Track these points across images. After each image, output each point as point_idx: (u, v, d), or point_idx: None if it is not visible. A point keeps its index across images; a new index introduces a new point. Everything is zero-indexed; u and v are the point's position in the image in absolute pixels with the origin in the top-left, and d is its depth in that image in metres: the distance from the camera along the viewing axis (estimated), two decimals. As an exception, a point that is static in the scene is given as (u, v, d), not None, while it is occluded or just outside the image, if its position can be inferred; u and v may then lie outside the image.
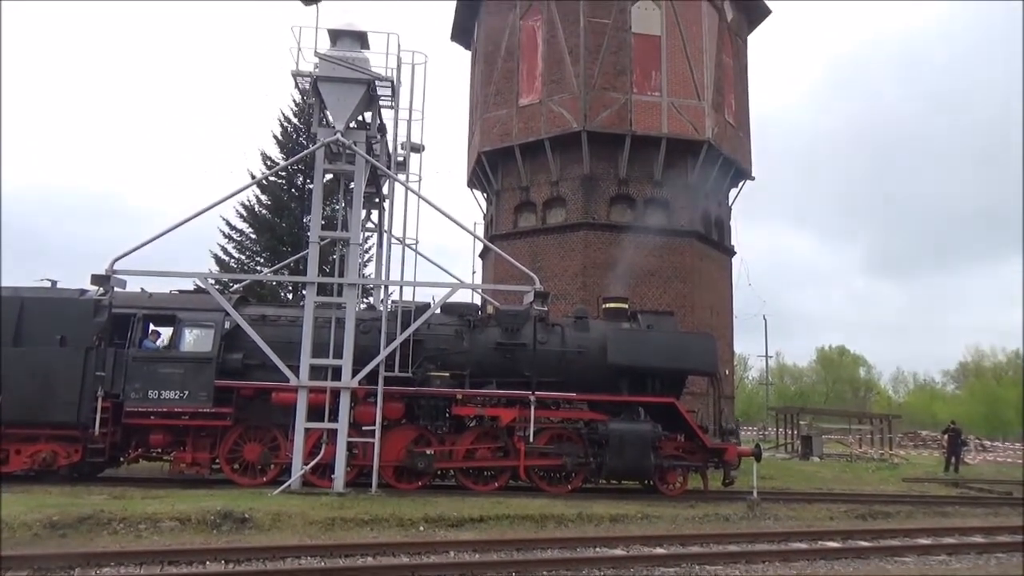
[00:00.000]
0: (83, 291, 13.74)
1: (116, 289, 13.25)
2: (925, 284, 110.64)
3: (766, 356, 50.41)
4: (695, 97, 23.00)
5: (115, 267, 12.80)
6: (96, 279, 12.75)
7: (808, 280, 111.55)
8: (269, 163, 26.60)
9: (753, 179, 26.38)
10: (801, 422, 31.66)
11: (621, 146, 22.19)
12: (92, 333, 13.17)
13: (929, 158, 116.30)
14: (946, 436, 25.09)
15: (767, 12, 27.57)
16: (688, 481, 14.63)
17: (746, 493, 13.65)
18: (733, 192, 26.21)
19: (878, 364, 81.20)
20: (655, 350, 14.51)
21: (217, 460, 13.51)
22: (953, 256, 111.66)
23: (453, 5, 27.33)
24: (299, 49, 13.99)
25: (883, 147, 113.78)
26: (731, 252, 25.98)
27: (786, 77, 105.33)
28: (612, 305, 15.75)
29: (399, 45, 14.55)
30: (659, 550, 9.72)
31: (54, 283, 14.26)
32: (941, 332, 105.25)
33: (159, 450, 13.71)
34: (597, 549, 9.66)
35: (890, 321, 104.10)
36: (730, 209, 26.34)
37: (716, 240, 24.83)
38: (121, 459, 13.91)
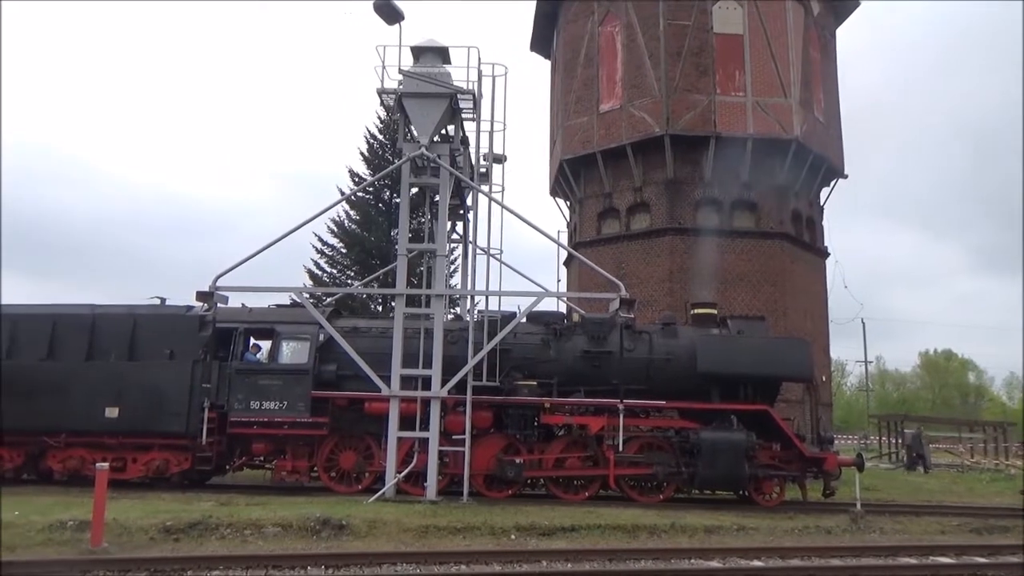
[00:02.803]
0: (189, 307, 14.53)
1: (219, 305, 13.92)
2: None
3: (865, 361, 48.24)
4: (781, 95, 22.31)
5: (217, 284, 13.45)
6: (201, 296, 13.43)
7: (909, 281, 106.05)
8: (357, 179, 27.43)
9: (846, 177, 25.36)
10: (906, 430, 30.11)
11: (705, 148, 21.75)
12: (198, 347, 13.92)
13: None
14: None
15: (856, 4, 26.53)
16: (785, 491, 14.15)
17: (848, 505, 13.08)
18: (825, 191, 25.28)
19: (989, 368, 76.30)
20: (747, 356, 14.13)
21: (315, 468, 13.97)
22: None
23: (532, 16, 27.54)
24: (384, 67, 14.39)
25: (986, 138, 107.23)
26: (824, 253, 25.03)
27: (879, 69, 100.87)
28: (700, 311, 15.44)
29: (479, 58, 14.77)
30: (757, 563, 9.43)
31: (163, 300, 15.16)
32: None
33: (261, 458, 14.31)
34: (692, 561, 9.45)
35: (1000, 322, 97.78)
36: (822, 209, 25.41)
37: (808, 241, 23.97)
38: (227, 467, 14.60)
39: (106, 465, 9.76)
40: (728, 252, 20.64)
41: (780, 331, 19.58)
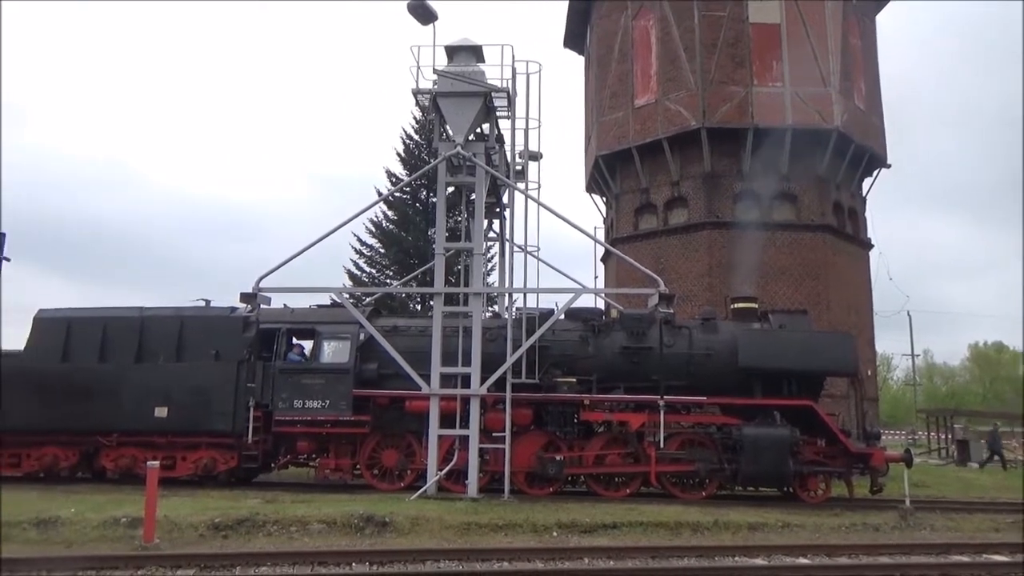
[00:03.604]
0: (233, 308, 14.83)
1: (261, 306, 14.17)
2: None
3: (911, 355, 47.01)
4: (821, 84, 21.89)
5: (260, 285, 13.69)
6: (244, 297, 13.70)
7: (956, 272, 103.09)
8: (394, 179, 27.66)
9: (889, 166, 24.77)
10: (956, 425, 29.34)
11: (743, 141, 21.46)
12: (243, 348, 14.20)
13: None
14: None
15: (897, -12, 25.93)
16: (831, 488, 13.92)
17: (897, 501, 12.82)
18: (867, 181, 24.76)
19: (1042, 361, 73.79)
20: (789, 350, 13.92)
21: (358, 466, 14.15)
22: None
23: (564, 12, 27.47)
24: (418, 67, 14.48)
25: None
26: (868, 245, 24.51)
27: (923, 54, 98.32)
28: (741, 305, 15.24)
29: (513, 56, 14.78)
30: (803, 560, 9.30)
31: (208, 302, 15.50)
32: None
33: (305, 456, 14.56)
34: (736, 558, 9.37)
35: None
36: (865, 199, 24.88)
37: (851, 233, 23.49)
38: (272, 465, 14.86)
39: (157, 463, 10.03)
40: (768, 245, 20.34)
41: (823, 325, 19.24)
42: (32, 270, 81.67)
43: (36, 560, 8.40)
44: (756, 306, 15.29)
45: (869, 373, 22.65)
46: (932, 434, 33.42)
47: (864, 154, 23.15)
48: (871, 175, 24.61)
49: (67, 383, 14.16)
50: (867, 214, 24.81)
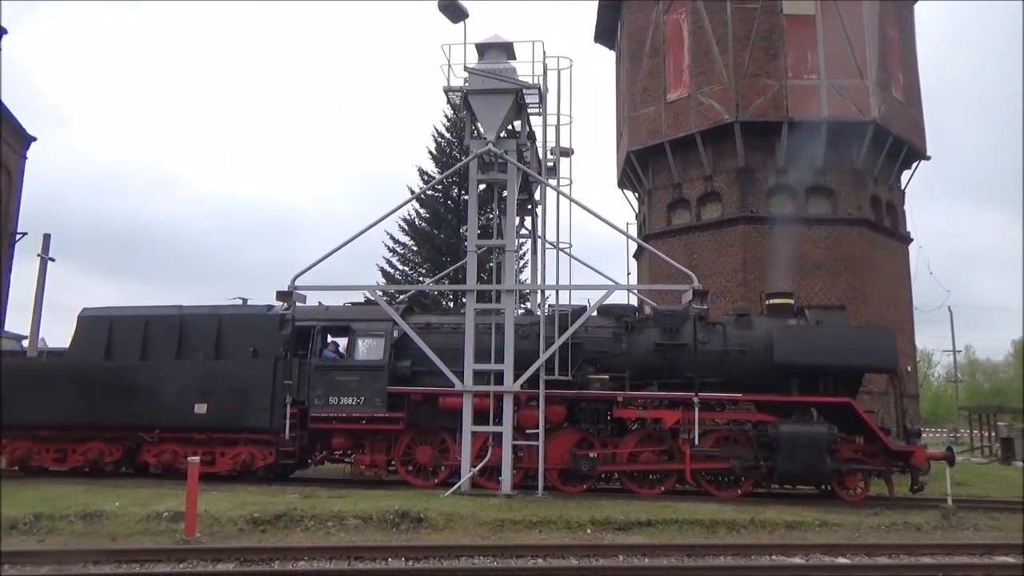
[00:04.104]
0: (270, 307, 15.05)
1: (297, 303, 14.36)
2: None
3: (953, 351, 45.91)
4: (857, 76, 21.50)
5: (295, 283, 13.87)
6: (280, 295, 13.88)
7: (999, 266, 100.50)
8: (426, 178, 27.83)
9: (928, 158, 24.26)
10: (999, 423, 28.65)
11: (777, 134, 21.16)
12: (279, 345, 14.41)
13: None
14: None
15: (936, -24, 25.33)
16: (870, 487, 13.69)
17: (939, 501, 12.55)
18: (906, 174, 24.26)
19: (1090, 357, 71.55)
20: (826, 346, 13.71)
21: (392, 462, 14.28)
22: None
23: (595, 7, 27.33)
24: (449, 66, 14.53)
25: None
26: (907, 239, 24.03)
27: (962, 42, 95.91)
28: (776, 301, 15.03)
29: (544, 52, 14.76)
30: (842, 560, 9.17)
31: (245, 301, 15.76)
32: None
33: (341, 452, 14.72)
34: (773, 557, 9.27)
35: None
36: (903, 192, 24.39)
37: (888, 227, 23.06)
38: (309, 461, 15.06)
39: (197, 459, 10.23)
40: (804, 240, 20.05)
41: (861, 321, 18.93)
42: (75, 270, 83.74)
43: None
44: (792, 302, 15.08)
45: (909, 369, 22.22)
46: (975, 432, 32.67)
47: (902, 146, 22.70)
48: (910, 168, 24.14)
49: (110, 380, 14.52)
50: (906, 207, 24.36)
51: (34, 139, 43.07)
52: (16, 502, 11.03)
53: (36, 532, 9.93)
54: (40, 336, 22.39)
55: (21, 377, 15.18)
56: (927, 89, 25.36)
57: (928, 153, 24.19)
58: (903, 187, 24.34)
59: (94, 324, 15.24)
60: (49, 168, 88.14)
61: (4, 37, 36.80)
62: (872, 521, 11.41)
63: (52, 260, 22.57)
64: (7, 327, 39.26)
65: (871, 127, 21.19)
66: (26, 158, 44.75)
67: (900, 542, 10.19)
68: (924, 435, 16.52)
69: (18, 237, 41.62)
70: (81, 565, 8.33)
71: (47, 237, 22.52)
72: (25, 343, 25.87)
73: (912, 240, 24.17)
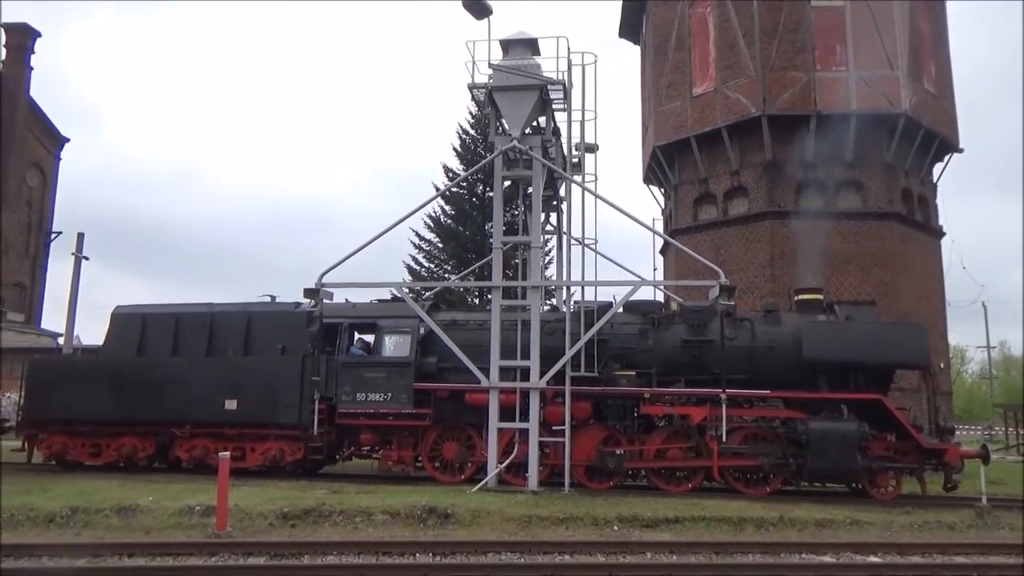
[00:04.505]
0: (298, 304, 15.20)
1: (324, 301, 14.47)
2: None
3: (987, 347, 44.99)
4: (887, 67, 21.15)
5: (322, 281, 13.98)
6: (308, 292, 14.00)
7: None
8: (451, 175, 27.89)
9: (961, 151, 23.82)
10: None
11: (806, 128, 20.90)
12: (307, 342, 14.53)
13: None
14: None
15: (969, -35, 24.82)
16: (902, 485, 13.49)
17: (973, 499, 12.34)
18: (938, 167, 23.83)
19: None
20: (856, 342, 13.50)
21: (419, 458, 14.36)
22: None
23: (619, 1, 27.19)
24: (474, 62, 14.53)
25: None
26: (939, 233, 23.62)
27: (996, 35, 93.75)
28: (805, 296, 14.85)
29: (568, 48, 14.70)
30: (873, 559, 9.05)
31: (273, 298, 15.93)
32: None
33: (369, 448, 14.82)
34: (802, 555, 9.16)
35: None
36: (935, 186, 23.97)
37: (920, 221, 22.69)
38: (337, 457, 15.19)
39: (228, 454, 10.37)
40: (833, 235, 19.78)
41: (892, 316, 18.64)
42: (109, 268, 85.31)
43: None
44: (821, 297, 14.89)
45: (942, 366, 21.86)
46: (1009, 430, 31.97)
47: (934, 139, 22.32)
48: (942, 160, 23.72)
49: (143, 376, 14.77)
50: (938, 201, 23.95)
51: (67, 140, 43.67)
52: (53, 496, 11.28)
53: (73, 525, 10.13)
54: (75, 334, 22.85)
55: (57, 374, 15.54)
56: (960, 81, 24.80)
57: (961, 145, 23.77)
58: (935, 180, 23.93)
59: (127, 322, 15.52)
60: (83, 168, 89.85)
61: (38, 40, 37.33)
62: (904, 520, 11.25)
63: (86, 259, 23.03)
64: (43, 325, 40.27)
65: (902, 119, 20.86)
66: (60, 159, 45.58)
67: (933, 541, 10.01)
68: (958, 433, 16.21)
69: (53, 236, 42.59)
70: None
71: (81, 236, 22.97)
72: (60, 341, 26.43)
73: (944, 234, 23.77)
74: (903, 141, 21.22)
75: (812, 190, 21.28)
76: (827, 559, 9.00)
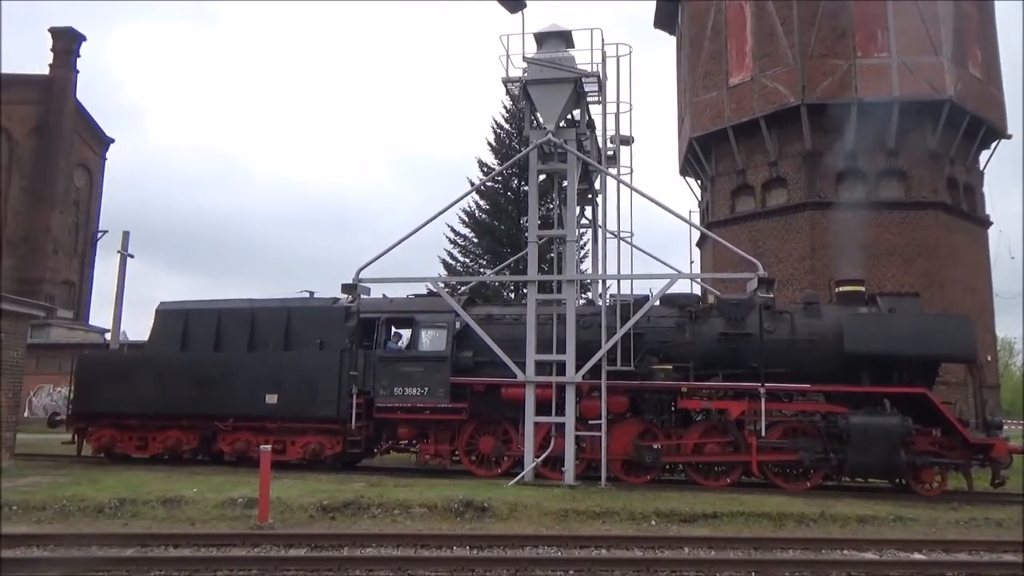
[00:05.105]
0: (335, 299, 15.39)
1: (361, 296, 14.62)
2: None
3: (1036, 339, 43.69)
4: (931, 53, 20.60)
5: (360, 276, 14.13)
6: (346, 288, 14.16)
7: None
8: (486, 169, 27.92)
9: (1009, 137, 23.12)
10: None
11: (846, 116, 20.46)
12: (345, 337, 14.73)
13: None
14: None
15: (1019, -55, 24.02)
16: (947, 481, 13.19)
17: (1022, 496, 12.01)
18: (985, 154, 23.17)
19: None
20: (899, 335, 13.21)
21: (456, 452, 14.45)
22: None
23: (654, -8, 26.92)
24: (508, 56, 14.51)
25: None
26: (986, 222, 22.98)
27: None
28: (846, 288, 14.56)
29: (603, 39, 14.59)
30: (918, 556, 8.87)
31: (311, 294, 16.15)
32: None
33: (406, 442, 14.98)
34: (844, 552, 9.03)
35: None
36: (982, 174, 23.30)
37: (966, 210, 22.09)
38: (375, 450, 15.38)
39: (269, 448, 10.56)
40: (875, 225, 19.40)
41: (936, 308, 18.22)
42: (153, 265, 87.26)
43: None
44: (863, 289, 14.59)
45: (989, 359, 21.28)
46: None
47: (981, 125, 21.70)
48: (989, 147, 23.05)
49: (186, 371, 15.11)
50: (985, 189, 23.30)
51: (112, 140, 44.61)
52: (102, 488, 11.63)
53: (120, 516, 10.43)
54: (121, 329, 23.46)
55: (104, 369, 15.98)
56: (1008, 65, 24.14)
57: (1009, 132, 23.06)
58: (982, 168, 23.27)
59: (171, 318, 15.89)
60: (128, 167, 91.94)
61: (83, 44, 38.21)
62: (950, 516, 11.01)
63: (131, 256, 23.56)
64: (91, 321, 41.41)
65: (946, 106, 20.33)
66: (105, 159, 46.70)
67: (980, 538, 9.79)
68: (1005, 427, 15.78)
69: (100, 235, 43.69)
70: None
71: (126, 234, 23.50)
72: (107, 336, 27.15)
73: (992, 223, 23.13)
74: (948, 128, 20.68)
75: (853, 180, 20.87)
76: (870, 556, 8.86)
